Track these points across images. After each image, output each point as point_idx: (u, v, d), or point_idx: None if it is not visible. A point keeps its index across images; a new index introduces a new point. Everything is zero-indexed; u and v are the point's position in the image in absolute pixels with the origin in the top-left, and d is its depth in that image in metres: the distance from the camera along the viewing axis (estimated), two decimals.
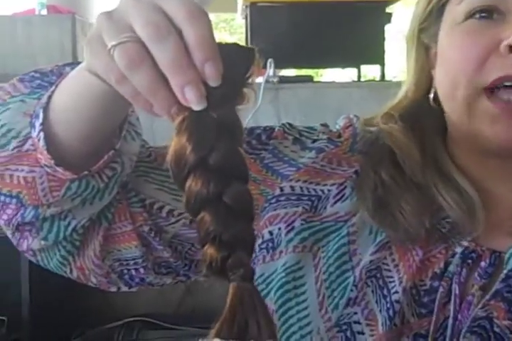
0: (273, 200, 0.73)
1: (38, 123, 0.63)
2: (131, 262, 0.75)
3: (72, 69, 0.63)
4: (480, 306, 0.66)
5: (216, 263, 0.49)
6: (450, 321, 0.66)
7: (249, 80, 0.51)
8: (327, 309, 0.68)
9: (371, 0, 2.52)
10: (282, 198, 0.73)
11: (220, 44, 0.50)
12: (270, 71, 2.35)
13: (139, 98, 0.51)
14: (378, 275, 0.69)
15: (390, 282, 0.68)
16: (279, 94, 2.35)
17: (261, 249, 0.72)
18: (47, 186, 0.65)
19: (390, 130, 0.73)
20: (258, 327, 0.47)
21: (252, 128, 0.79)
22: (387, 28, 2.45)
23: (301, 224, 0.71)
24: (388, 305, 0.67)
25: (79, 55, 2.46)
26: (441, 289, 0.67)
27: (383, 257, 0.69)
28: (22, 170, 0.65)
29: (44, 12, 2.72)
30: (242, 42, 2.68)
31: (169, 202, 0.74)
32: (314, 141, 0.77)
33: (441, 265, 0.68)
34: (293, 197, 0.73)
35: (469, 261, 0.68)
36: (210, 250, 0.49)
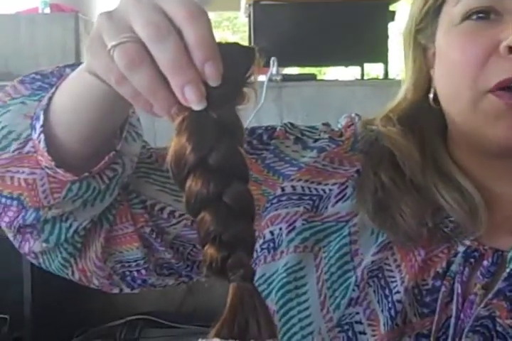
0: (274, 200, 0.73)
1: (38, 125, 0.63)
2: (133, 264, 0.75)
3: (73, 70, 0.63)
4: (482, 305, 0.66)
5: (216, 264, 0.48)
6: (452, 320, 0.66)
7: (250, 80, 0.51)
8: (329, 309, 0.68)
9: None
10: (283, 198, 0.73)
11: (220, 44, 0.50)
12: (273, 69, 2.35)
13: (139, 98, 0.51)
14: (380, 275, 0.69)
15: (392, 282, 0.68)
16: (282, 93, 2.35)
17: (262, 249, 0.72)
18: (48, 188, 0.65)
19: (389, 133, 0.73)
20: (258, 328, 0.47)
21: (253, 128, 0.78)
22: (390, 26, 2.45)
23: (303, 224, 0.71)
24: (390, 305, 0.67)
25: (82, 53, 2.46)
26: (443, 288, 0.67)
27: (385, 257, 0.69)
28: (23, 172, 0.65)
29: (47, 11, 2.73)
30: (245, 41, 2.69)
31: (170, 203, 0.74)
32: (316, 140, 0.76)
33: (444, 264, 0.68)
34: (294, 197, 0.73)
35: (472, 260, 0.68)
36: (210, 250, 0.49)
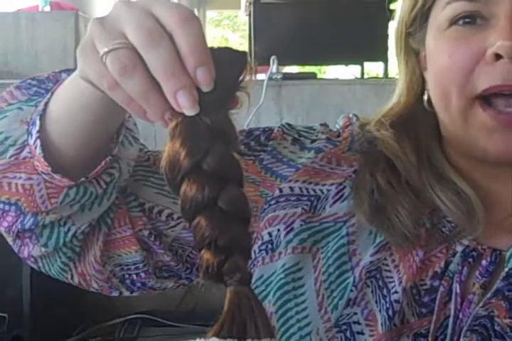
0: (272, 202, 0.73)
1: (34, 131, 0.63)
2: (132, 267, 0.75)
3: (69, 75, 0.63)
4: (481, 305, 0.66)
5: (213, 268, 0.49)
6: (451, 320, 0.66)
7: (242, 84, 0.51)
8: (326, 309, 0.68)
9: None
10: (281, 199, 0.73)
11: (212, 49, 0.50)
12: (273, 68, 2.35)
13: (132, 104, 0.51)
14: (378, 275, 0.69)
15: (390, 282, 0.68)
16: (282, 91, 2.35)
17: (260, 250, 0.72)
18: (45, 193, 0.65)
19: (383, 137, 0.73)
20: (256, 330, 0.47)
21: (251, 129, 0.78)
22: (390, 25, 2.45)
23: (301, 225, 0.71)
24: (388, 305, 0.67)
25: None
26: (441, 288, 0.67)
27: (383, 258, 0.69)
28: (20, 178, 0.65)
29: (47, 9, 2.73)
30: (246, 39, 2.68)
31: (168, 206, 0.74)
32: (313, 141, 0.76)
33: (442, 264, 0.68)
34: (292, 198, 0.73)
35: (470, 259, 0.68)
36: (206, 255, 0.49)
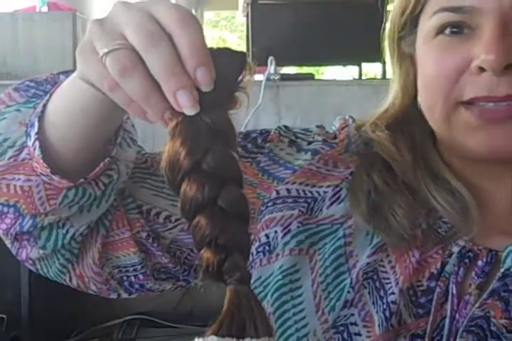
0: (269, 203, 0.74)
1: (33, 133, 0.63)
2: (131, 269, 0.75)
3: (67, 77, 0.64)
4: (477, 305, 0.66)
5: (213, 267, 0.49)
6: (447, 321, 0.66)
7: (242, 84, 0.52)
8: (324, 311, 0.68)
9: None
10: (279, 201, 0.73)
11: (211, 49, 0.51)
12: (271, 69, 2.35)
13: (132, 105, 0.52)
14: (375, 277, 0.69)
15: (387, 283, 0.68)
16: (280, 92, 2.36)
17: (258, 252, 0.72)
18: (44, 195, 0.65)
19: (378, 138, 0.73)
20: (255, 329, 0.47)
21: (248, 132, 0.79)
22: (387, 25, 2.45)
23: (298, 227, 0.71)
24: (385, 307, 0.67)
25: None
26: (438, 289, 0.67)
27: (380, 259, 0.69)
28: (19, 179, 0.65)
29: (45, 9, 2.73)
30: (243, 40, 2.68)
31: (166, 208, 0.74)
32: (310, 142, 0.77)
33: (438, 265, 0.68)
34: (289, 200, 0.73)
35: (466, 260, 0.68)
36: (206, 254, 0.49)
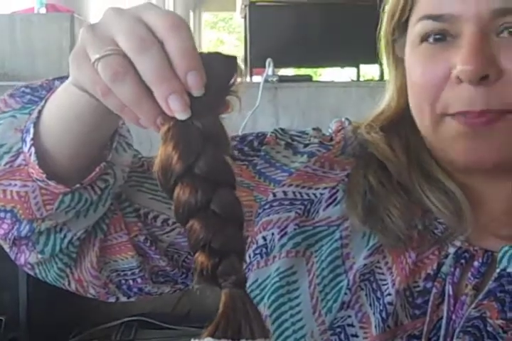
0: (266, 206, 0.74)
1: (28, 138, 0.64)
2: (129, 272, 0.75)
3: (62, 83, 0.64)
4: (473, 306, 0.66)
5: (207, 271, 0.49)
6: (444, 321, 0.66)
7: (233, 88, 0.52)
8: (321, 312, 0.69)
9: None
10: (275, 203, 0.74)
11: (202, 54, 0.51)
12: (269, 70, 2.35)
13: (125, 110, 0.52)
14: (372, 278, 0.69)
15: (383, 285, 0.68)
16: (277, 94, 2.36)
17: (255, 254, 0.73)
18: (40, 200, 0.65)
19: (373, 139, 0.73)
20: (251, 332, 0.47)
21: (244, 134, 0.79)
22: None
23: (294, 229, 0.72)
24: (381, 308, 0.67)
25: None
26: (434, 290, 0.67)
27: (376, 261, 0.69)
28: (15, 185, 0.65)
29: (43, 11, 2.73)
30: (241, 42, 2.69)
31: (163, 211, 0.74)
32: (306, 145, 0.77)
33: (435, 266, 0.68)
34: (286, 202, 0.73)
35: (462, 261, 0.68)
36: (200, 258, 0.49)
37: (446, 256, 0.69)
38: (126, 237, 0.73)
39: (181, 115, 0.49)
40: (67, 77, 0.63)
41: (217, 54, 0.52)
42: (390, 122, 0.74)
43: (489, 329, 0.65)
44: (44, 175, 0.63)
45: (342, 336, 0.68)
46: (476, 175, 0.70)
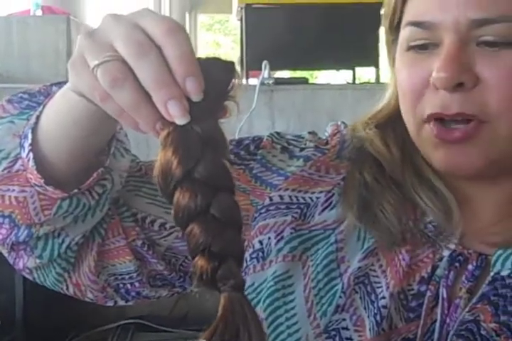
0: (263, 210, 0.74)
1: (27, 144, 0.64)
2: (126, 276, 0.76)
3: (60, 88, 0.64)
4: (467, 309, 0.66)
5: (207, 275, 0.49)
6: (437, 325, 0.67)
7: (231, 93, 0.52)
8: (315, 316, 0.69)
9: (366, 2, 2.53)
10: (272, 208, 0.74)
11: (200, 59, 0.52)
12: (265, 73, 2.36)
13: (124, 115, 0.52)
14: (366, 281, 0.69)
15: (378, 288, 0.69)
16: (273, 96, 2.36)
17: (251, 258, 0.73)
18: (38, 205, 0.66)
19: (368, 136, 0.74)
20: (249, 336, 0.48)
21: (240, 139, 0.79)
22: (381, 30, 2.46)
23: (291, 233, 0.72)
24: (376, 311, 0.68)
25: None
26: (428, 293, 0.67)
27: (371, 264, 0.70)
28: (13, 191, 0.66)
29: (39, 13, 2.74)
30: (237, 44, 2.69)
31: (161, 216, 0.75)
32: (302, 149, 0.77)
33: (429, 269, 0.69)
34: (282, 206, 0.74)
35: (457, 264, 0.68)
36: (200, 262, 0.50)
37: (441, 259, 0.69)
38: (123, 242, 0.73)
39: (180, 120, 0.50)
40: (65, 83, 0.63)
41: (216, 59, 0.53)
42: (387, 119, 0.75)
43: (483, 332, 0.65)
44: (42, 181, 0.63)
45: (337, 339, 0.68)
46: (461, 180, 0.71)
